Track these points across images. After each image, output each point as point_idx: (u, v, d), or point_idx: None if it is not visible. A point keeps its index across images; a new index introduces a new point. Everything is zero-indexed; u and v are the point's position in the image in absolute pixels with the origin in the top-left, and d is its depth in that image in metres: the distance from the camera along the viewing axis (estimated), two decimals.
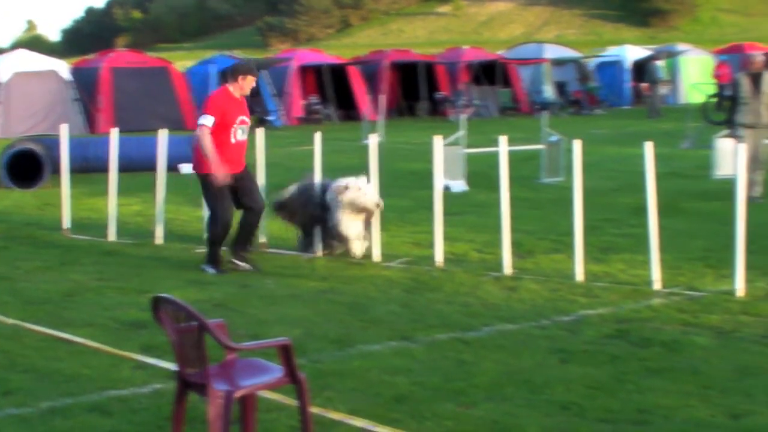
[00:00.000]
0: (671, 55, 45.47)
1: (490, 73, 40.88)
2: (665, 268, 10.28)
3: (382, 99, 32.15)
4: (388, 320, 8.98)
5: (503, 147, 11.02)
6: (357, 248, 11.68)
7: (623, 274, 10.68)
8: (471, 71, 40.46)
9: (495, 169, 11.21)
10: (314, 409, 6.32)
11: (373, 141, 12.17)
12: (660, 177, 11.10)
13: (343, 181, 11.61)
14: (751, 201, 13.25)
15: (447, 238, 11.69)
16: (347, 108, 38.24)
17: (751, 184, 14.77)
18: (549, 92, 41.96)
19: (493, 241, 11.60)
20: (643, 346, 8.02)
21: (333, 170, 15.55)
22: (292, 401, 6.40)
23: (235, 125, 10.96)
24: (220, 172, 10.76)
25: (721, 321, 8.74)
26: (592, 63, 45.43)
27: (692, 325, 8.62)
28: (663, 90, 38.66)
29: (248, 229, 11.28)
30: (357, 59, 42.83)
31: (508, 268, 10.83)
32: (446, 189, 15.64)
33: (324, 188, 11.88)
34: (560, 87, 42.34)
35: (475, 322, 8.85)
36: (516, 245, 11.51)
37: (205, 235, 11.63)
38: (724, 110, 18.00)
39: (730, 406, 6.63)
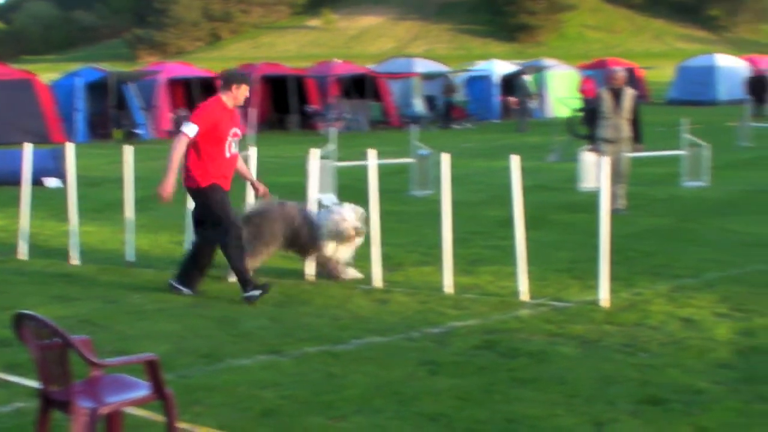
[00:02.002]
0: (538, 70, 46.25)
1: (360, 86, 41.01)
2: (532, 280, 10.45)
3: (252, 112, 32.01)
4: (258, 334, 8.93)
5: (372, 160, 11.08)
6: (350, 273, 11.32)
7: (491, 285, 10.81)
8: (341, 85, 40.54)
9: (365, 182, 11.25)
10: (182, 425, 6.26)
11: (253, 153, 12.09)
12: (527, 190, 11.27)
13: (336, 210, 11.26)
14: (615, 213, 13.56)
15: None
16: None
17: (614, 196, 15.10)
18: (419, 106, 42.28)
19: (364, 254, 11.63)
20: (510, 357, 8.13)
21: None
22: (159, 417, 6.31)
23: (228, 138, 10.28)
24: (167, 190, 10.04)
25: (586, 331, 8.90)
26: (461, 77, 45.92)
27: (558, 336, 8.77)
28: (531, 104, 39.28)
29: (207, 252, 10.56)
30: None
31: (378, 281, 10.87)
32: (320, 202, 15.63)
33: (303, 211, 11.37)
34: (430, 101, 42.70)
35: (344, 335, 8.86)
36: (386, 258, 11.57)
37: (180, 258, 10.96)
38: (589, 124, 18.36)
39: (595, 415, 6.76)
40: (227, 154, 10.31)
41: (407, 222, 15.26)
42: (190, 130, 10.11)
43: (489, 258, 12.28)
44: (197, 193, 10.35)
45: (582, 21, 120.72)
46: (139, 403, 5.93)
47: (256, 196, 11.15)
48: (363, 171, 12.33)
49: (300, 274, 11.34)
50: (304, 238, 11.16)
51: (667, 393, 7.18)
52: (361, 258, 11.89)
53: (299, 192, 12.27)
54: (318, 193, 16.01)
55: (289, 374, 7.74)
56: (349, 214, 11.18)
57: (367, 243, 11.17)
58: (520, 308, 9.77)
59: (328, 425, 6.62)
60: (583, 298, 10.13)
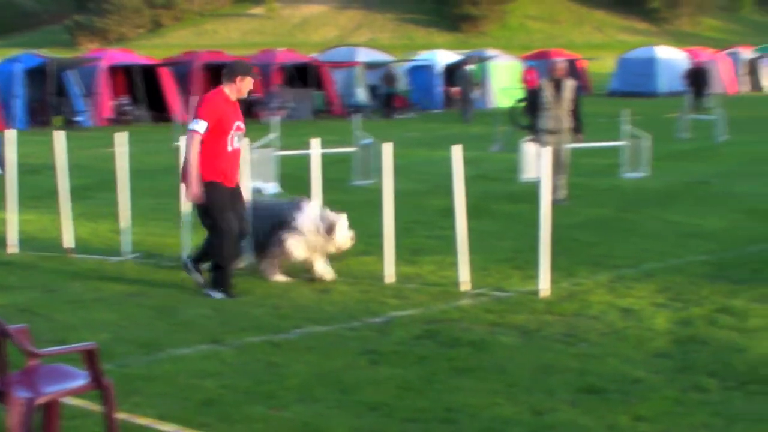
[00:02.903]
0: (481, 60, 46.39)
1: (303, 75, 40.90)
2: (473, 270, 10.49)
3: (195, 100, 31.79)
4: (198, 324, 8.90)
5: (315, 149, 11.05)
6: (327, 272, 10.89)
7: (433, 275, 10.84)
8: (284, 73, 40.40)
9: (307, 171, 11.23)
10: (121, 415, 6.21)
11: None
12: (469, 180, 11.30)
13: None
14: (555, 204, 13.64)
15: None
16: (159, 109, 37.67)
17: (555, 187, 15.20)
18: (362, 95, 42.27)
19: None
20: (451, 346, 8.16)
21: (144, 172, 15.35)
22: (98, 407, 6.26)
23: (231, 132, 9.87)
24: (195, 190, 9.72)
25: (526, 321, 8.96)
26: (404, 67, 45.95)
27: (499, 325, 8.82)
28: (473, 94, 39.40)
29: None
30: (168, 60, 42.24)
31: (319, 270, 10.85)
32: (258, 191, 15.58)
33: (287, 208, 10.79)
34: (373, 90, 42.70)
35: (286, 324, 8.85)
36: None
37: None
38: (530, 115, 18.43)
39: (534, 404, 6.81)
40: (229, 148, 9.91)
41: (349, 211, 15.08)
42: (200, 126, 9.72)
43: (430, 248, 12.31)
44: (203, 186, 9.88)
45: (525, 12, 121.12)
46: (77, 392, 5.88)
47: None
48: (305, 160, 12.30)
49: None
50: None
51: (606, 382, 7.24)
52: None
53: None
54: (259, 182, 16.01)
55: (229, 364, 7.71)
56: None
57: None
58: (461, 298, 9.81)
59: (268, 414, 6.61)
60: (524, 288, 10.19)
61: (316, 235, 10.47)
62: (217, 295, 9.87)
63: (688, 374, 7.45)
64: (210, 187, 9.81)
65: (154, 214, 14.83)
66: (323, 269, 10.72)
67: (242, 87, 10.00)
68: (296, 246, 10.46)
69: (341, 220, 10.60)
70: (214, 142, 9.79)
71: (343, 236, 10.56)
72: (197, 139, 9.71)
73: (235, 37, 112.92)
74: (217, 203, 9.85)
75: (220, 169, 9.84)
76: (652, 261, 11.51)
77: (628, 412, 6.67)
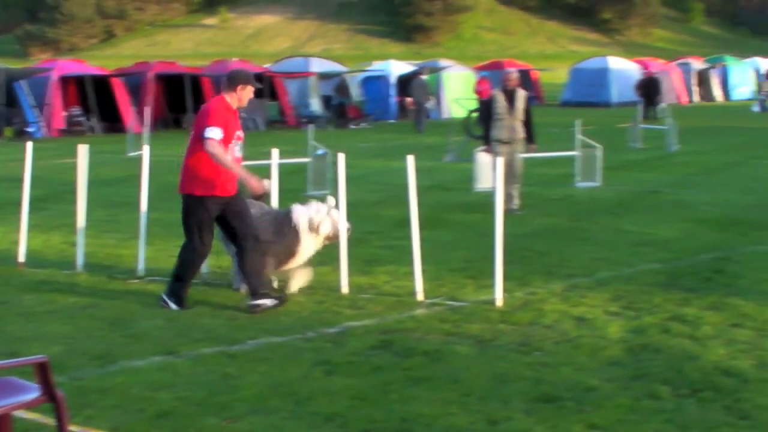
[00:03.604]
0: (434, 70, 46.58)
1: None
2: (428, 280, 10.51)
3: (147, 111, 31.65)
4: (152, 335, 8.84)
5: (275, 160, 11.03)
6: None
7: (388, 285, 10.84)
8: None
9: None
10: (74, 428, 6.17)
11: (146, 153, 11.92)
12: (423, 190, 11.34)
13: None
14: (509, 213, 13.71)
15: (214, 252, 11.58)
16: (111, 120, 37.47)
17: (508, 197, 15.26)
18: (316, 106, 42.27)
19: None
20: (406, 356, 8.16)
21: (96, 183, 15.20)
22: (50, 420, 6.21)
23: (233, 141, 9.74)
24: (253, 182, 9.79)
25: (481, 330, 8.98)
26: (357, 77, 45.99)
27: (454, 335, 8.83)
28: (427, 105, 39.51)
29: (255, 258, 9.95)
30: (121, 70, 42.05)
31: (274, 281, 10.82)
32: None
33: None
34: (327, 101, 42.71)
35: (241, 335, 8.82)
36: None
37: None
38: (483, 125, 18.49)
39: (489, 413, 6.82)
40: (230, 158, 9.75)
41: None
42: (216, 133, 9.53)
43: (385, 258, 12.32)
44: (190, 198, 9.80)
45: (478, 22, 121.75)
46: (30, 406, 5.82)
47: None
48: (259, 170, 12.28)
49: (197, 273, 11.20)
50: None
51: (560, 391, 7.27)
52: None
53: None
54: None
55: (184, 375, 7.67)
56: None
57: None
58: (416, 308, 9.81)
59: (223, 426, 6.58)
60: (479, 297, 10.22)
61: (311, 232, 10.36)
62: (173, 306, 9.80)
63: (641, 382, 7.50)
64: (197, 201, 9.72)
65: (107, 226, 14.74)
66: (300, 280, 10.58)
67: (243, 96, 9.86)
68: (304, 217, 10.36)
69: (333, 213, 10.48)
70: None
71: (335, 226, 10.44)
72: (217, 144, 9.53)
73: (188, 48, 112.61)
74: (199, 219, 9.76)
75: (218, 180, 9.68)
76: (605, 270, 11.59)
77: (582, 420, 6.70)
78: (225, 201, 9.82)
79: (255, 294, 9.79)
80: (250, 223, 9.93)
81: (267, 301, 9.77)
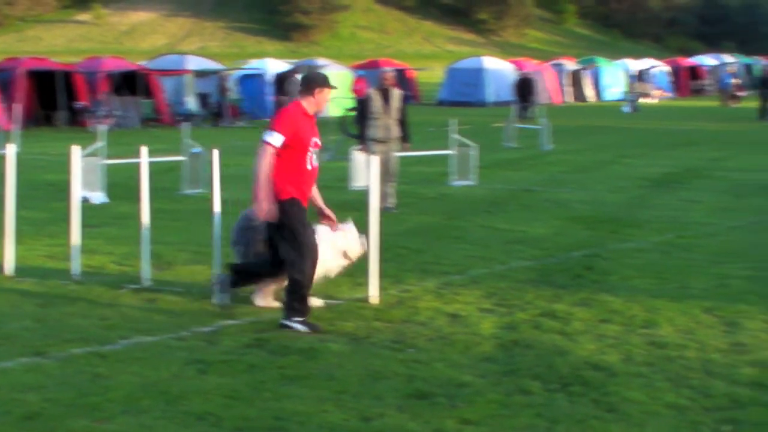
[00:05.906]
0: (311, 69, 46.51)
1: (131, 83, 40.31)
2: None
3: (18, 108, 30.99)
4: (20, 336, 8.66)
5: (144, 158, 10.90)
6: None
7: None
8: (111, 81, 39.73)
9: (136, 180, 11.06)
10: None
11: (11, 151, 11.64)
12: None
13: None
14: (385, 211, 13.76)
15: (85, 250, 11.43)
16: None
17: (384, 195, 15.33)
18: (191, 103, 41.91)
19: (133, 252, 11.44)
20: (281, 355, 8.15)
21: None
22: None
23: (310, 148, 9.17)
24: (265, 206, 9.01)
25: (355, 328, 9.01)
26: (234, 75, 45.73)
27: (328, 333, 8.84)
28: None
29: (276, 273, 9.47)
30: None
31: (147, 280, 10.70)
32: (85, 201, 15.31)
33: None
34: (203, 98, 42.39)
35: (112, 335, 8.69)
36: (156, 257, 11.40)
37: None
38: (359, 124, 18.54)
39: (362, 410, 6.85)
40: (309, 167, 9.22)
41: (178, 220, 15.08)
42: (275, 139, 8.98)
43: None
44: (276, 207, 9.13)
45: (355, 22, 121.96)
46: None
47: (322, 222, 9.79)
48: (134, 168, 12.13)
49: (65, 273, 11.02)
50: None
51: (433, 387, 7.33)
52: (131, 257, 11.72)
53: (66, 190, 11.93)
54: (86, 192, 15.70)
55: (53, 376, 7.53)
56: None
57: (137, 241, 10.97)
58: None
59: (93, 427, 6.48)
60: (353, 295, 10.25)
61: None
62: (302, 327, 8.94)
63: (513, 377, 7.61)
64: (289, 204, 9.09)
65: None
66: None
67: (321, 100, 9.26)
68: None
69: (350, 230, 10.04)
70: (292, 158, 9.10)
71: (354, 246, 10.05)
72: (270, 151, 9.00)
73: (61, 44, 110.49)
74: (299, 218, 9.11)
75: (299, 187, 9.15)
76: (478, 267, 11.72)
77: (455, 416, 6.77)
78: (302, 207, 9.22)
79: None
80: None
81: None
